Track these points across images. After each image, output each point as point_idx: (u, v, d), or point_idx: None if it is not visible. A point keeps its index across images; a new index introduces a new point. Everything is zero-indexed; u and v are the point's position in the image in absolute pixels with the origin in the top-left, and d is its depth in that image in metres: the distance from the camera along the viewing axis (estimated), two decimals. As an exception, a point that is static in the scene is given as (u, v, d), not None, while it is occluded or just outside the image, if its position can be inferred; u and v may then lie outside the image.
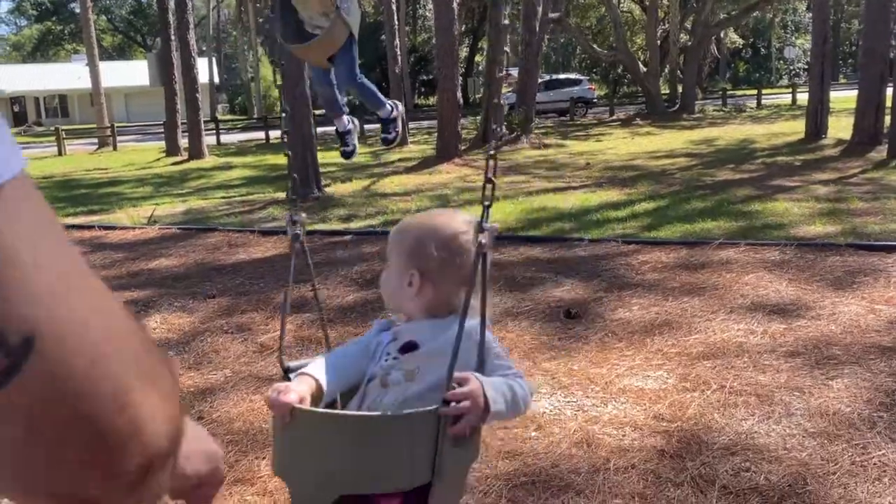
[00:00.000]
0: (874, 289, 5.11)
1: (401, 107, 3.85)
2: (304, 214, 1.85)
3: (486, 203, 1.48)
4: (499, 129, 1.63)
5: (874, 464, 2.96)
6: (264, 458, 3.31)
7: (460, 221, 1.59)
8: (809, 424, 3.30)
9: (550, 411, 3.60)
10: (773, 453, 3.09)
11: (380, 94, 3.65)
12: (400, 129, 3.81)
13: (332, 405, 1.61)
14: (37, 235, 0.39)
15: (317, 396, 1.53)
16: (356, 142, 3.95)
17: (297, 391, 1.46)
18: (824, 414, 3.39)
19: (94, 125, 28.00)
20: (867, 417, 3.33)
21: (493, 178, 1.51)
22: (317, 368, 1.57)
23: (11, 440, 0.38)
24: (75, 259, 0.41)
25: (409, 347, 1.55)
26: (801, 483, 2.86)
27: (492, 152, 1.54)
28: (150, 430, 0.43)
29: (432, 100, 37.14)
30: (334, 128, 3.93)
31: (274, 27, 3.10)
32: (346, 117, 3.79)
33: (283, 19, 3.23)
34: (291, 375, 1.60)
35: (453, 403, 1.37)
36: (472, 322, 1.45)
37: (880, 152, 13.46)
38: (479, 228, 1.45)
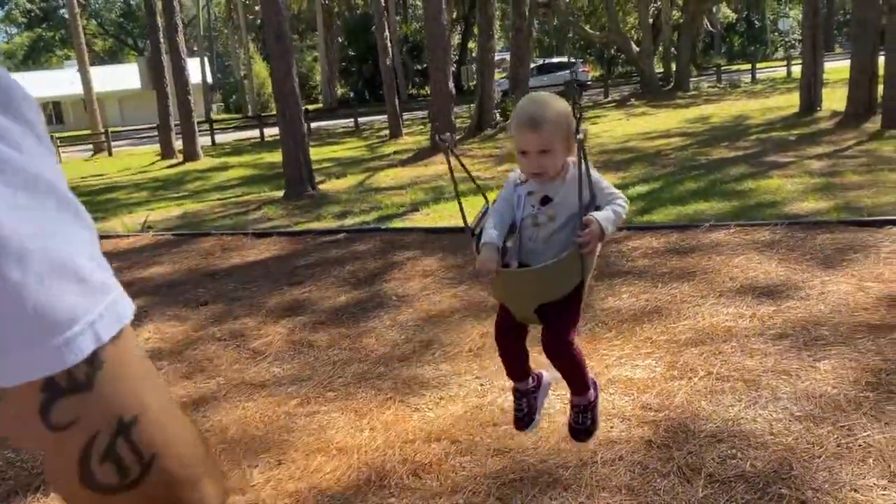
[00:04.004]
0: (864, 266, 5.11)
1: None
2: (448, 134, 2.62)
3: (578, 116, 2.29)
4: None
5: (859, 445, 2.98)
6: (256, 465, 3.34)
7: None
8: (796, 408, 3.32)
9: (540, 406, 3.61)
10: (760, 439, 3.10)
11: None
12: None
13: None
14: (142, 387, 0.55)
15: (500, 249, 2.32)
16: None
17: (493, 259, 2.24)
18: (811, 397, 3.40)
19: (89, 131, 28.02)
20: (853, 398, 3.35)
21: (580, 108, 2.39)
22: (490, 234, 2.30)
23: None
24: (167, 394, 0.58)
25: (546, 200, 2.31)
26: (786, 468, 2.88)
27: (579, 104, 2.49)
28: None
29: (427, 89, 37.01)
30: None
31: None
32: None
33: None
34: (477, 238, 2.36)
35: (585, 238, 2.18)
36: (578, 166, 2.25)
37: (875, 123, 13.41)
38: (577, 131, 2.22)
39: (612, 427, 3.34)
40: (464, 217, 2.47)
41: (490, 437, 3.37)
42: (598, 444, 3.19)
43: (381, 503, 2.97)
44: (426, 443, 3.38)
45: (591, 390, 2.54)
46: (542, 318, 2.35)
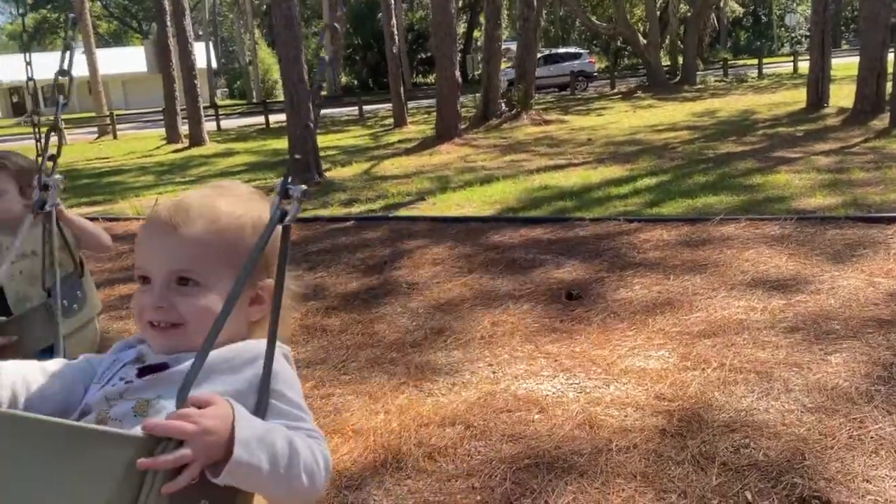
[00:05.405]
0: (873, 261, 5.14)
1: None
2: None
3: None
4: None
5: (871, 437, 3.01)
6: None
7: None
8: (808, 400, 3.36)
9: (553, 394, 3.65)
10: (772, 429, 3.14)
11: None
12: None
13: None
14: None
15: None
16: None
17: None
18: (822, 389, 3.44)
19: (93, 113, 27.98)
20: (865, 391, 3.38)
21: None
22: (7, 365, 1.14)
23: None
24: None
25: (156, 368, 1.09)
26: (798, 458, 2.92)
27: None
28: None
29: (431, 78, 36.92)
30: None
31: None
32: None
33: None
34: None
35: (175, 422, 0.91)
36: (262, 343, 1.05)
37: (882, 120, 13.40)
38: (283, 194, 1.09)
39: (626, 416, 3.37)
40: None
41: (504, 422, 3.41)
42: (613, 433, 3.23)
43: (397, 484, 3.01)
44: (441, 427, 3.41)
45: None
46: None
